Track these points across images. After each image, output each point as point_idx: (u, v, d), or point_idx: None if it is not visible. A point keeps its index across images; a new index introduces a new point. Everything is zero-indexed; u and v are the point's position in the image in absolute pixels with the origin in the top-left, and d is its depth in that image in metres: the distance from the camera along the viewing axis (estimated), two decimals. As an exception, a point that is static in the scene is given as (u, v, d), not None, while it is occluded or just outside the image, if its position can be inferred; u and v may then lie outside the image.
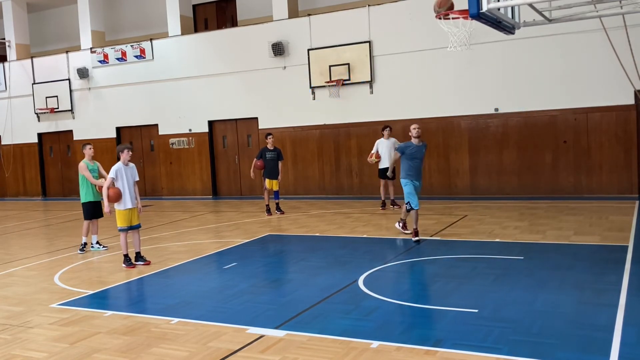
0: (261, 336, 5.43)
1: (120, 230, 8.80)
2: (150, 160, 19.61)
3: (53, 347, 5.47)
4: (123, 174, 8.75)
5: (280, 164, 13.44)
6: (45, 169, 21.64)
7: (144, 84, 19.04)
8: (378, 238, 10.14)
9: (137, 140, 19.80)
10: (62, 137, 21.05)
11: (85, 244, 10.35)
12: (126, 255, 8.80)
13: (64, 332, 5.88)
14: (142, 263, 8.88)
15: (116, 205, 8.76)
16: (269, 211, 13.48)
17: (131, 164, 8.95)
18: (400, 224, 10.32)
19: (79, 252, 10.23)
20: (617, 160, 13.47)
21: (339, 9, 16.59)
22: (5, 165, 22.06)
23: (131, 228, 8.85)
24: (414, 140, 9.55)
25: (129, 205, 8.75)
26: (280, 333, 5.49)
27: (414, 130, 9.52)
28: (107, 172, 9.33)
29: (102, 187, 10.02)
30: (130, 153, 8.94)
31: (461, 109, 14.82)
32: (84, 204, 10.35)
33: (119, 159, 8.89)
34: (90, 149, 10.37)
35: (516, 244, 8.93)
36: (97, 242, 10.45)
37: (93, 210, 10.32)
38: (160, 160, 19.28)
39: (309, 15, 16.67)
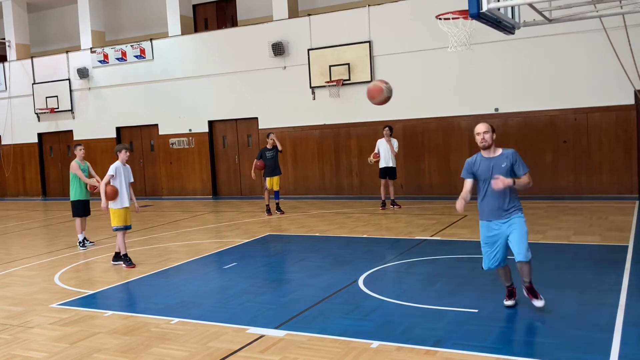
0: (261, 336, 5.43)
1: (116, 229, 8.78)
2: (150, 160, 19.61)
3: (53, 347, 5.47)
4: (122, 172, 8.76)
5: (278, 155, 13.49)
6: (45, 169, 21.64)
7: (144, 84, 19.04)
8: (378, 238, 10.14)
9: (137, 140, 19.80)
10: (62, 137, 21.04)
11: (84, 240, 10.60)
12: (125, 255, 8.79)
13: (64, 332, 5.87)
14: (119, 263, 8.88)
15: (111, 204, 8.75)
16: (269, 211, 13.48)
17: (127, 165, 8.96)
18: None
19: (80, 249, 10.42)
20: (617, 160, 13.46)
21: (339, 9, 16.58)
22: (5, 165, 22.06)
23: (126, 228, 8.85)
24: (483, 153, 6.03)
25: (125, 204, 8.76)
26: (280, 333, 5.48)
27: (477, 137, 5.94)
28: (98, 173, 9.60)
29: (93, 185, 10.35)
30: (128, 153, 8.94)
31: (461, 109, 14.82)
32: (73, 202, 10.60)
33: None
34: (81, 150, 10.65)
35: (516, 244, 8.90)
36: (85, 239, 10.71)
37: (83, 208, 10.58)
38: (160, 160, 19.27)
39: (309, 15, 16.67)
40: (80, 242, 10.57)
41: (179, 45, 18.52)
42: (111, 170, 8.71)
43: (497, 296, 6.34)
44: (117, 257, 8.95)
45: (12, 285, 8.10)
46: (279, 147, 13.51)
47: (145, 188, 19.55)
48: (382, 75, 15.67)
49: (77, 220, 10.59)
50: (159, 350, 5.25)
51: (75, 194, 10.56)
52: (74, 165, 10.47)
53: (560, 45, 13.64)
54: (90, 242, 10.78)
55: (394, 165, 13.26)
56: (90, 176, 10.61)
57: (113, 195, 8.66)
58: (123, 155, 8.84)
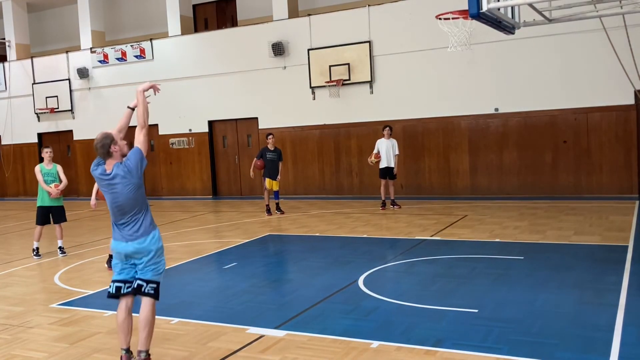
0: (261, 336, 5.43)
1: None
2: (150, 160, 19.57)
3: (53, 347, 5.47)
4: None
5: (280, 164, 13.45)
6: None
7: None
8: (378, 238, 10.14)
9: (137, 140, 19.78)
10: (62, 137, 21.04)
11: (37, 249, 9.92)
12: (111, 256, 8.69)
13: (64, 332, 5.88)
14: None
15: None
16: (269, 211, 13.48)
17: None
18: None
19: (34, 257, 9.85)
20: (617, 160, 13.47)
21: (339, 9, 16.58)
22: (5, 165, 22.06)
23: None
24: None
25: None
26: (280, 333, 5.48)
27: None
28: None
29: (52, 193, 9.78)
30: None
31: (461, 109, 14.82)
32: (37, 208, 9.94)
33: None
34: (46, 152, 9.94)
35: (516, 244, 8.92)
36: (60, 247, 10.07)
37: (45, 216, 9.89)
38: (160, 160, 19.27)
39: (309, 15, 16.67)
40: (34, 250, 9.88)
41: (179, 45, 18.52)
42: None
43: (497, 296, 6.35)
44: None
45: (12, 285, 8.10)
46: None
47: (145, 188, 19.52)
48: (382, 75, 15.68)
49: (37, 228, 9.86)
50: (159, 350, 5.24)
51: (38, 199, 9.89)
52: (36, 169, 9.81)
53: (560, 45, 13.64)
54: (63, 254, 9.97)
55: (395, 166, 13.25)
56: (60, 180, 9.89)
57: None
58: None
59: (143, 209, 4.94)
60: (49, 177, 9.87)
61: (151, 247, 4.74)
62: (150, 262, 4.74)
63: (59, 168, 10.06)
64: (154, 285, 4.75)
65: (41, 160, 10.38)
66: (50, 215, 9.96)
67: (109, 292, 4.81)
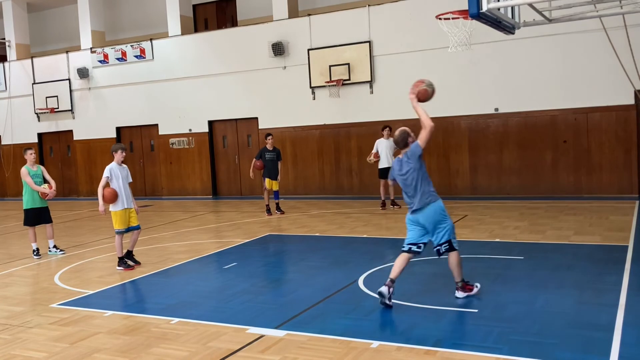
0: (261, 336, 5.43)
1: (117, 232, 8.64)
2: (150, 160, 19.61)
3: (53, 347, 5.47)
4: (118, 173, 8.60)
5: (279, 164, 13.45)
6: (45, 169, 21.59)
7: (144, 84, 19.04)
8: (378, 238, 10.14)
9: (137, 140, 19.80)
10: (62, 137, 21.04)
11: (37, 249, 10.04)
12: (121, 258, 8.69)
13: (64, 332, 5.88)
14: (132, 264, 8.70)
15: (111, 207, 8.63)
16: (269, 211, 13.48)
17: (124, 165, 8.83)
18: None
19: (34, 257, 9.93)
20: (617, 160, 13.46)
21: (339, 9, 16.58)
22: (5, 165, 22.06)
23: (129, 230, 8.71)
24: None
25: (126, 205, 8.60)
26: (280, 333, 5.49)
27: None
28: (98, 173, 9.39)
29: (44, 193, 9.86)
30: (124, 153, 8.79)
31: (461, 109, 14.82)
32: (25, 211, 9.96)
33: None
34: (31, 154, 9.96)
35: (516, 244, 8.92)
36: (55, 247, 10.19)
37: (36, 217, 9.99)
38: (160, 160, 19.28)
39: (309, 15, 16.67)
40: (35, 252, 9.99)
41: (179, 45, 18.52)
42: (106, 172, 8.56)
43: (497, 296, 6.35)
44: (129, 254, 8.82)
45: (12, 285, 8.10)
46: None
47: (145, 188, 19.54)
48: (382, 75, 15.69)
49: (30, 230, 9.97)
50: (159, 350, 5.25)
51: (27, 201, 9.90)
52: (23, 172, 9.79)
53: (560, 45, 13.64)
54: (62, 252, 10.17)
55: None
56: (45, 181, 9.97)
57: (112, 197, 8.47)
58: (119, 155, 8.69)
59: (423, 185, 6.32)
60: (35, 178, 9.93)
61: (436, 216, 6.15)
62: (439, 227, 6.14)
63: (43, 169, 10.19)
64: (447, 246, 6.13)
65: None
66: (40, 216, 10.07)
67: (403, 249, 6.32)
